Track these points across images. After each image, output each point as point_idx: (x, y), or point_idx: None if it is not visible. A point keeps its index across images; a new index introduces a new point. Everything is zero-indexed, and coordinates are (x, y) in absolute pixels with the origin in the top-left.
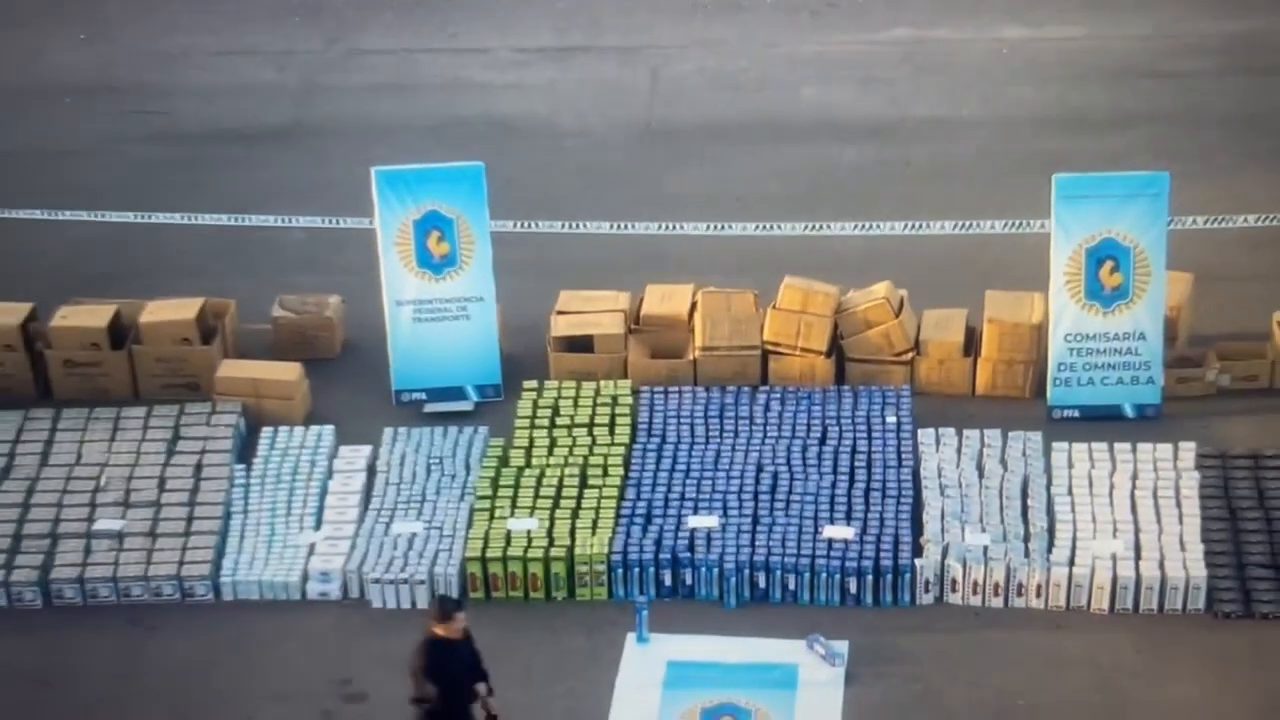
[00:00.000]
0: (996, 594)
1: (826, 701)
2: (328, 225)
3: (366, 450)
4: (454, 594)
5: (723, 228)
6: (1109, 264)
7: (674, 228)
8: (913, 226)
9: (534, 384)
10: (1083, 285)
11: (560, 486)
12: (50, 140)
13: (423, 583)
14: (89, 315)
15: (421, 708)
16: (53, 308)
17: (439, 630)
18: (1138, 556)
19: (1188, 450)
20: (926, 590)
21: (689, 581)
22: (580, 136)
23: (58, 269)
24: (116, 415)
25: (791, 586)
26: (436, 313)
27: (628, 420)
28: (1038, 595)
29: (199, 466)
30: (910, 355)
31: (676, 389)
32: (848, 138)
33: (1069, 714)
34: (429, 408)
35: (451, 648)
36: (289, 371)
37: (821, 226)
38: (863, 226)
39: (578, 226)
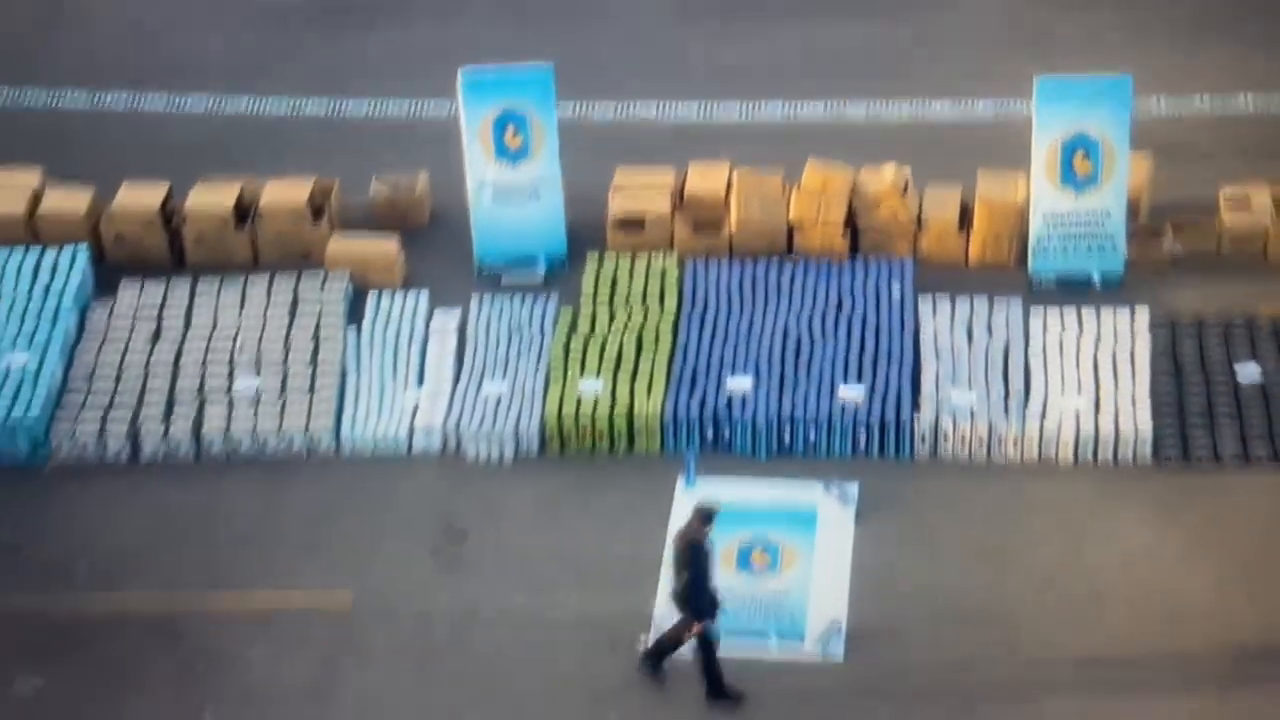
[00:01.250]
0: (981, 445)
1: (840, 537)
2: (413, 106)
3: (456, 313)
4: (535, 449)
5: (754, 107)
6: (1080, 153)
7: (710, 109)
8: (918, 105)
9: (595, 257)
10: (1058, 172)
11: (620, 352)
12: (148, 15)
13: (510, 438)
14: (217, 194)
15: (682, 589)
16: (173, 186)
17: (697, 533)
18: (1097, 412)
19: (1143, 316)
20: (923, 442)
21: (728, 436)
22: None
23: (168, 148)
24: (243, 283)
25: (812, 439)
26: (512, 196)
27: (675, 291)
28: (1015, 446)
29: (317, 330)
30: (913, 230)
31: (716, 260)
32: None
33: (1036, 549)
34: (506, 280)
35: (703, 546)
36: (388, 245)
37: (841, 104)
38: (872, 105)
39: (628, 108)
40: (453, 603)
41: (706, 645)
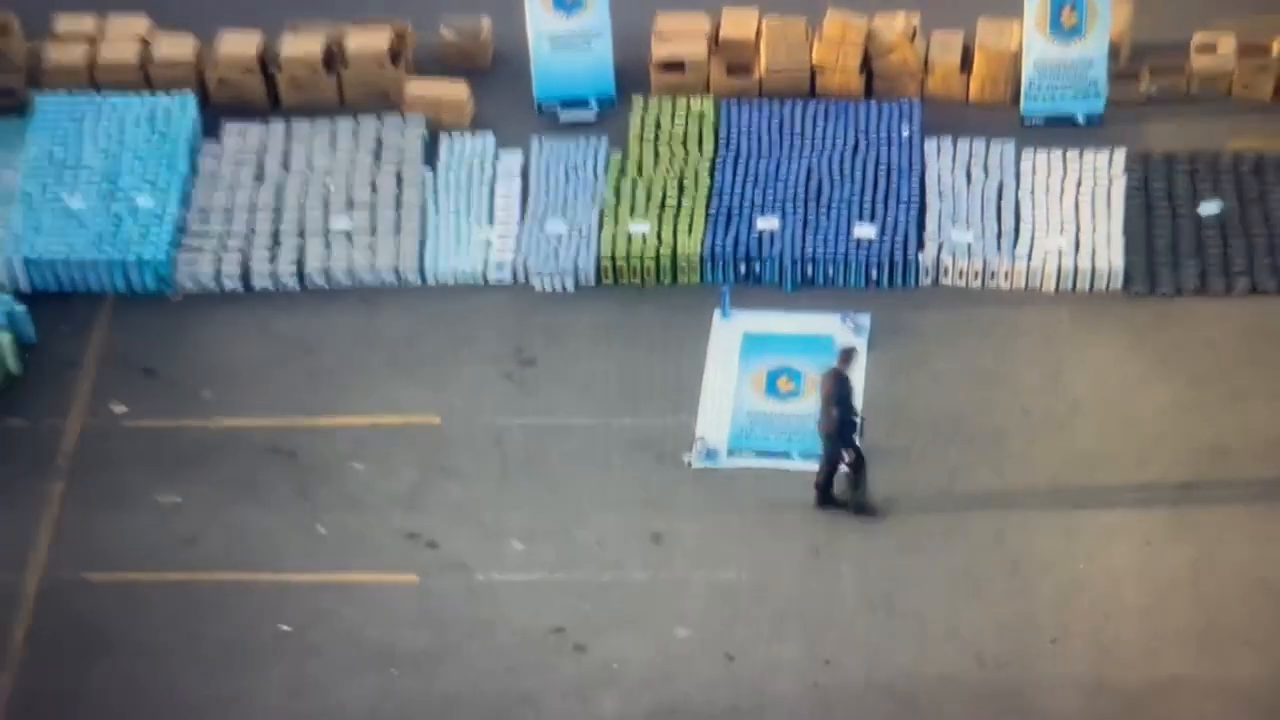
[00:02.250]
0: (976, 278)
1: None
2: None
3: (519, 154)
4: (591, 281)
5: None
6: (1068, 8)
7: None
8: None
9: (640, 101)
10: (1048, 24)
11: (664, 195)
12: None
13: (571, 272)
14: (307, 42)
15: (831, 422)
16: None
17: (843, 368)
18: (1076, 250)
19: (1119, 157)
20: (926, 275)
21: (758, 270)
22: None
23: None
24: (332, 127)
25: (831, 273)
26: (567, 43)
27: (712, 134)
28: (1005, 279)
29: (399, 172)
30: (921, 73)
31: (747, 102)
32: None
33: (1020, 372)
34: (563, 116)
35: (848, 380)
36: (458, 88)
37: None
38: None
39: None
40: (525, 421)
41: (858, 465)
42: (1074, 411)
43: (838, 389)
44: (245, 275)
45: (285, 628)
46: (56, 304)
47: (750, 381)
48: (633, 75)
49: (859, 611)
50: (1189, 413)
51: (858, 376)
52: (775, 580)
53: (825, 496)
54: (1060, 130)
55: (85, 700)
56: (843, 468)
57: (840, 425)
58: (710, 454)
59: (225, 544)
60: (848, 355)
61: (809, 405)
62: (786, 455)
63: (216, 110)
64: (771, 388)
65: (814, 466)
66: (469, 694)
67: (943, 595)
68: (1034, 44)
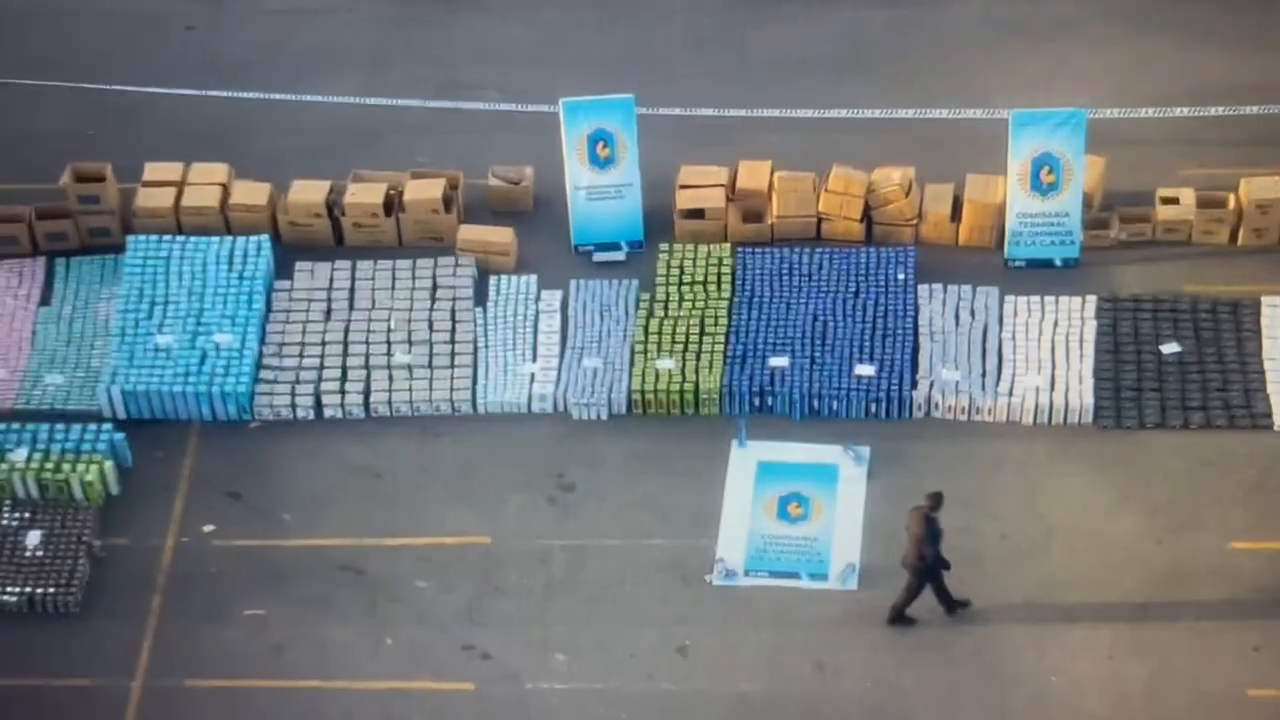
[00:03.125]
0: (963, 413)
1: (855, 491)
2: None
3: (559, 294)
4: (623, 411)
5: (789, 111)
6: (1046, 168)
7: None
8: (919, 111)
9: (666, 248)
10: (1029, 181)
11: (687, 335)
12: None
13: (605, 404)
14: (369, 190)
15: (925, 566)
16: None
17: (930, 510)
18: (1052, 389)
19: (1091, 303)
20: (919, 410)
21: (770, 403)
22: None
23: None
24: (392, 268)
25: (834, 407)
26: (601, 194)
27: (729, 277)
28: (989, 414)
29: (453, 311)
30: (915, 221)
31: (760, 249)
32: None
33: (1001, 499)
34: (596, 257)
35: (936, 521)
36: (505, 234)
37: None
38: (885, 110)
39: (689, 109)
40: (566, 542)
41: (941, 592)
42: (1047, 538)
43: (927, 529)
44: (317, 405)
45: None
46: (150, 430)
47: (764, 507)
48: (659, 219)
49: (860, 718)
50: (1148, 540)
51: (855, 502)
52: (785, 692)
53: (899, 617)
54: (1040, 272)
55: None
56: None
57: (932, 563)
58: (729, 574)
59: (307, 654)
60: (936, 499)
61: (816, 529)
62: (797, 576)
63: (287, 249)
64: (783, 512)
65: (821, 585)
66: None
67: (930, 707)
68: (1016, 198)
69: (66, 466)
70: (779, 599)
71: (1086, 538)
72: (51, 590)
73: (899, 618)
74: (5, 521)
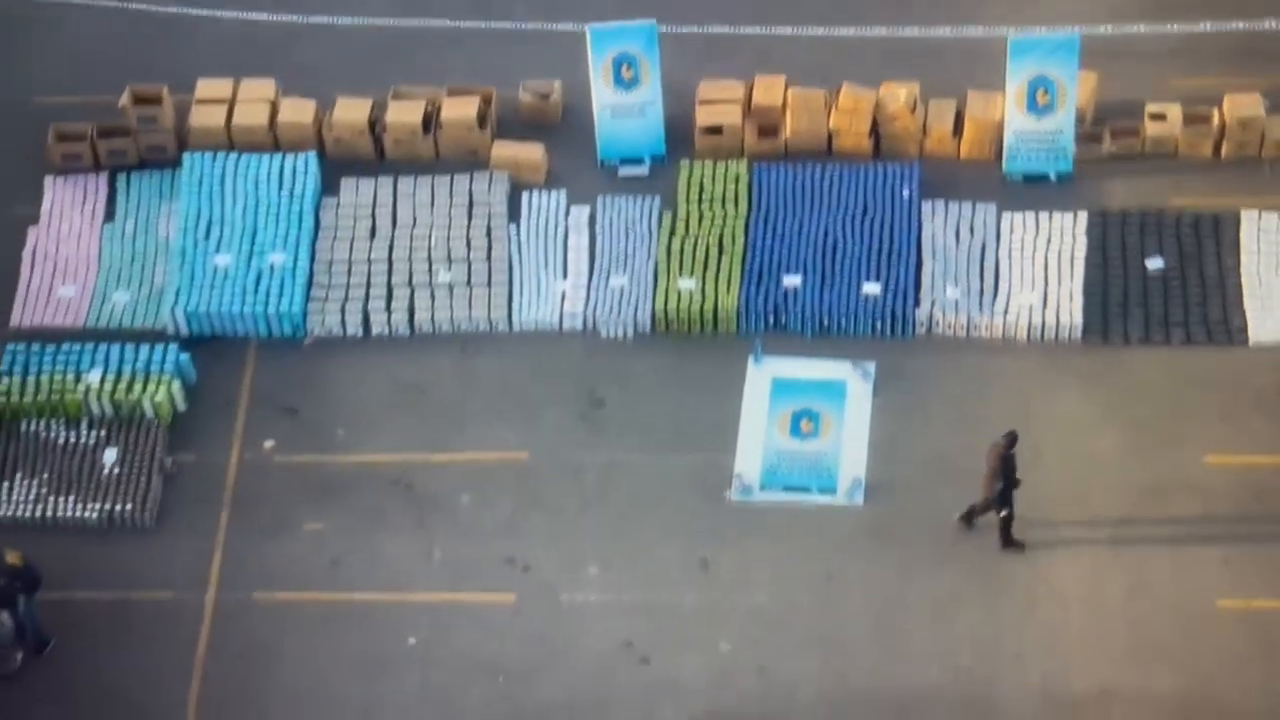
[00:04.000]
0: (962, 330)
1: (861, 407)
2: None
3: (586, 209)
4: (648, 330)
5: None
6: (1041, 90)
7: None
8: (923, 29)
9: (686, 166)
10: (1025, 102)
11: (707, 253)
12: None
13: (631, 324)
14: (408, 108)
15: (996, 493)
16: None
17: (1006, 449)
18: (1044, 305)
19: (1082, 218)
20: (922, 328)
21: (784, 321)
22: None
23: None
24: (431, 184)
25: (843, 325)
26: (625, 112)
27: (746, 194)
28: (986, 331)
29: (489, 228)
30: (920, 137)
31: (775, 165)
32: None
33: (997, 414)
34: (621, 172)
35: (1012, 458)
36: (536, 151)
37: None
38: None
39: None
40: (597, 458)
41: (1007, 521)
42: (1037, 455)
43: (1001, 466)
44: (365, 322)
45: (411, 641)
46: (210, 347)
47: (778, 424)
48: (679, 129)
49: (863, 631)
50: (1129, 455)
51: (862, 418)
52: (797, 602)
53: (1007, 542)
54: (1035, 186)
55: (258, 704)
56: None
57: (1001, 493)
58: (746, 489)
59: (361, 567)
60: (1012, 438)
61: (826, 445)
62: (808, 490)
63: (332, 164)
64: (795, 429)
65: (830, 500)
66: (560, 700)
67: (929, 616)
68: (1013, 118)
69: (138, 386)
70: (791, 513)
71: (1072, 455)
72: (128, 507)
73: (1008, 543)
74: (83, 440)
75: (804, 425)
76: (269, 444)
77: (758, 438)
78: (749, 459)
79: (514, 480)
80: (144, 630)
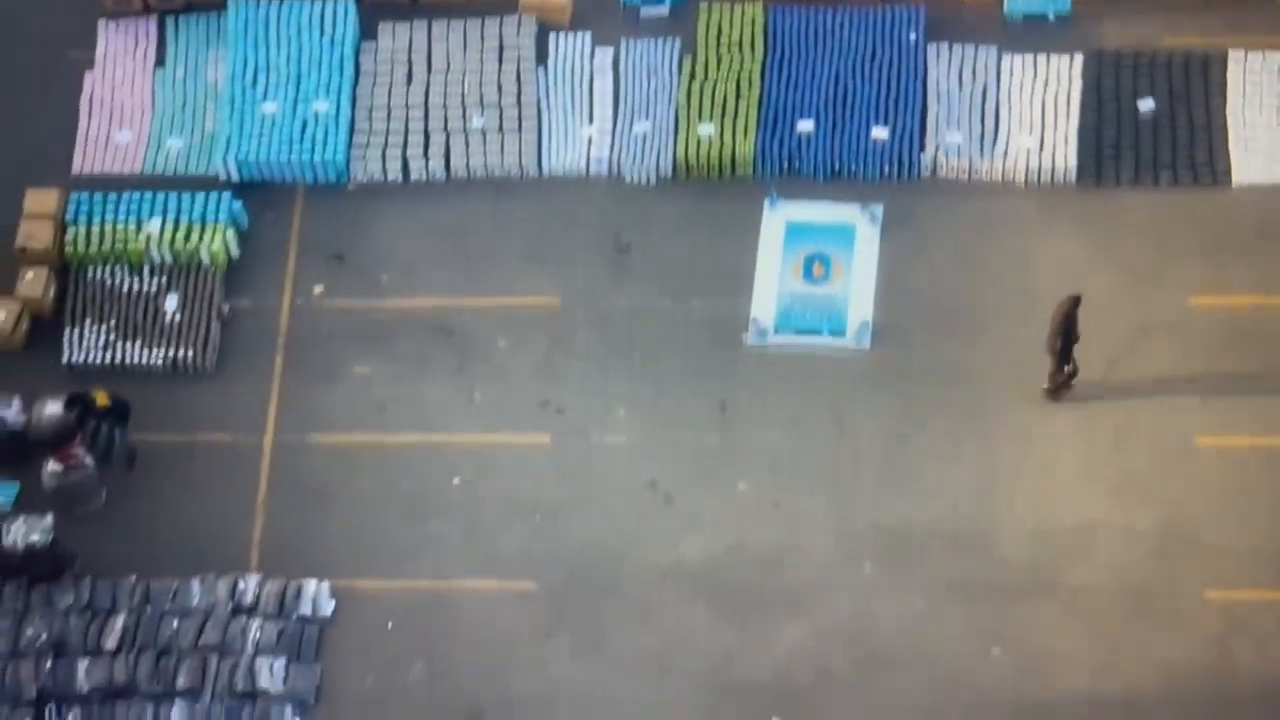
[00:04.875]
0: (964, 174)
1: (869, 251)
2: None
3: (610, 53)
4: (669, 175)
5: None
6: None
7: None
8: None
9: (705, 9)
10: None
11: (725, 98)
12: None
13: (654, 169)
14: None
15: (1058, 350)
16: None
17: (1070, 309)
18: (1041, 148)
19: (1078, 61)
20: (926, 171)
21: (798, 166)
22: None
23: None
24: (463, 28)
25: (853, 169)
26: None
27: (761, 37)
28: (987, 175)
29: (518, 72)
30: None
31: (788, 8)
32: None
33: (995, 255)
34: (642, 14)
35: (1075, 320)
36: None
37: None
38: None
39: None
40: (623, 302)
41: (1069, 376)
42: (1033, 299)
43: (1064, 324)
44: (404, 168)
45: (456, 481)
46: (259, 194)
47: (791, 267)
48: None
49: (869, 471)
50: (1118, 297)
51: (869, 261)
52: (808, 442)
53: (1059, 389)
54: (1035, 26)
55: (316, 542)
56: None
57: (1061, 350)
58: (761, 333)
59: (407, 410)
60: (1076, 300)
61: (836, 288)
62: (819, 333)
63: (368, 9)
64: (808, 273)
65: (839, 343)
66: (592, 538)
67: (930, 457)
68: None
69: (195, 235)
70: (803, 356)
71: (1064, 291)
72: (190, 353)
73: (1057, 395)
74: (146, 287)
75: (816, 269)
76: (318, 289)
77: (773, 282)
78: (764, 303)
79: (546, 325)
80: (208, 472)
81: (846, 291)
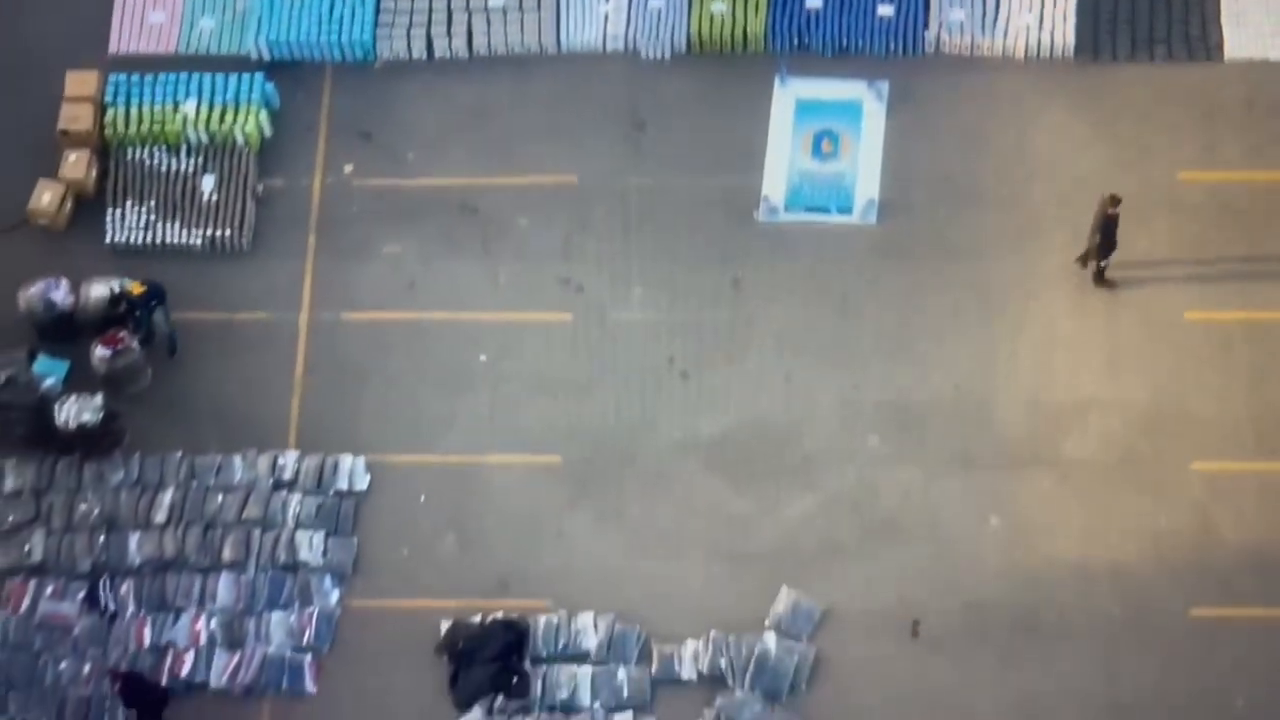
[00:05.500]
0: (966, 50)
1: (876, 125)
2: None
3: None
4: (683, 51)
5: None
6: None
7: None
8: None
9: None
10: None
11: None
12: None
13: (669, 44)
14: None
15: (1096, 245)
16: None
17: (1111, 209)
18: (1040, 25)
19: None
20: (930, 48)
21: (807, 43)
22: None
23: None
24: None
25: (861, 44)
26: None
27: None
28: (988, 50)
29: None
30: None
31: None
32: None
33: (997, 132)
34: None
35: (1115, 218)
36: None
37: None
38: None
39: None
40: (639, 181)
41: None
42: (1031, 174)
43: (1103, 222)
44: (429, 47)
45: (483, 358)
46: (289, 73)
47: (800, 144)
48: None
49: (876, 343)
50: (1111, 171)
51: (876, 137)
52: (817, 319)
53: (1099, 279)
54: None
55: (351, 416)
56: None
57: (1100, 245)
58: (772, 210)
59: (436, 288)
60: (1115, 200)
61: (844, 165)
62: (827, 211)
63: None
64: (816, 149)
65: (846, 219)
66: (613, 413)
67: (934, 329)
68: None
69: (229, 115)
70: (812, 233)
71: (1061, 173)
72: (227, 232)
73: (1100, 282)
74: (183, 167)
75: (824, 145)
76: (348, 168)
77: (783, 159)
78: (775, 180)
79: (566, 203)
80: (248, 349)
81: (854, 169)
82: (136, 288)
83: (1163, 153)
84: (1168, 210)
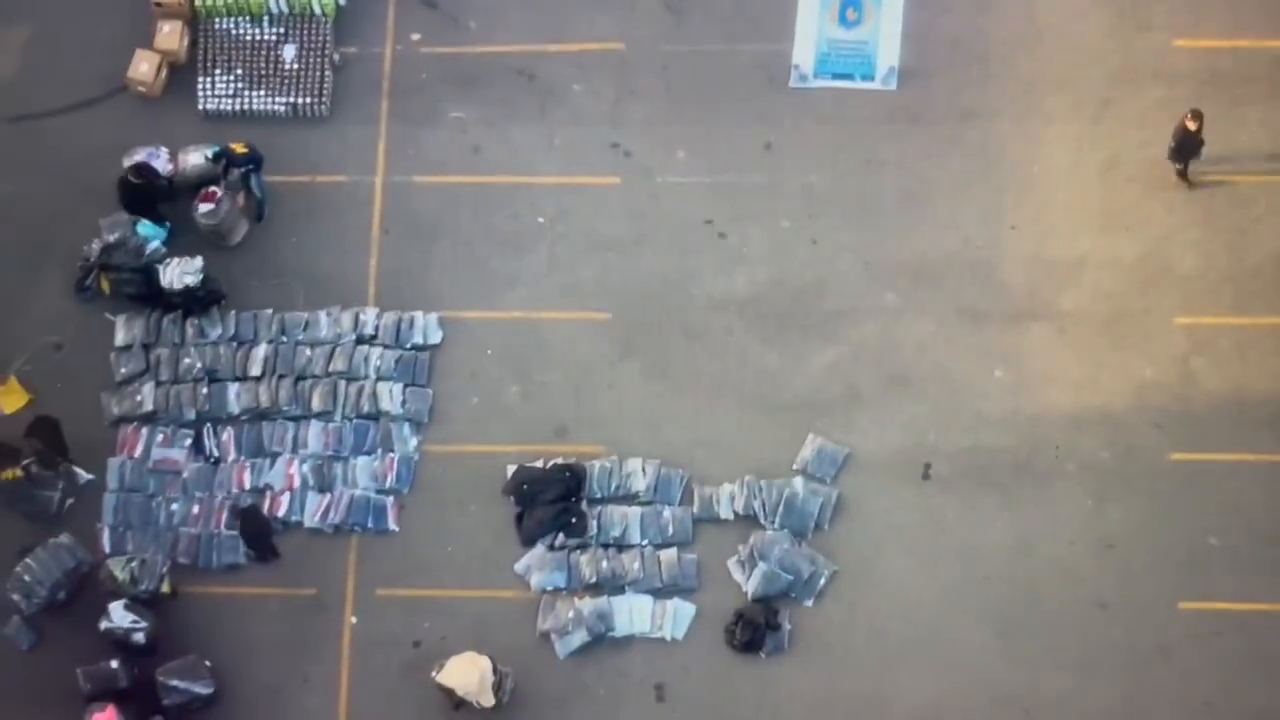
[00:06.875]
0: None
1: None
2: None
3: None
4: None
5: None
6: None
7: None
8: None
9: None
10: None
11: None
12: None
13: None
14: None
15: (1171, 150)
16: None
17: (1191, 124)
18: None
19: None
20: None
21: None
22: None
23: None
24: None
25: None
26: None
27: None
28: None
29: None
30: None
31: None
32: None
33: (1008, 19)
34: None
35: (1196, 132)
36: None
37: None
38: None
39: None
40: (679, 48)
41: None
42: (1038, 37)
43: (1181, 134)
44: None
45: (541, 220)
46: None
47: (829, 12)
48: None
49: (894, 204)
50: (1108, 38)
51: (898, 8)
52: (843, 182)
53: (1182, 175)
54: None
55: (424, 274)
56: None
57: (1174, 150)
58: (802, 77)
59: (498, 153)
60: (1197, 115)
61: (867, 32)
62: (852, 78)
63: None
64: (843, 18)
65: (869, 85)
66: (658, 270)
67: (947, 191)
68: None
69: None
70: (838, 99)
71: (1064, 38)
72: (307, 99)
73: (1183, 178)
74: (266, 36)
75: (849, 14)
76: (415, 36)
77: (812, 27)
78: (804, 49)
79: (612, 70)
80: (328, 211)
81: (876, 36)
82: (240, 147)
83: (1159, 24)
84: (1161, 81)
